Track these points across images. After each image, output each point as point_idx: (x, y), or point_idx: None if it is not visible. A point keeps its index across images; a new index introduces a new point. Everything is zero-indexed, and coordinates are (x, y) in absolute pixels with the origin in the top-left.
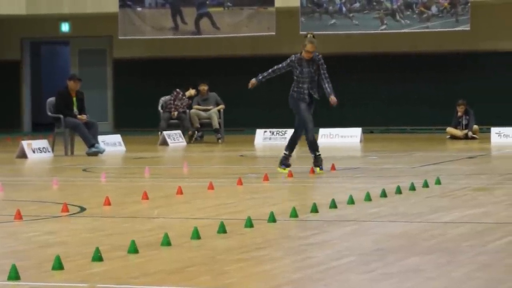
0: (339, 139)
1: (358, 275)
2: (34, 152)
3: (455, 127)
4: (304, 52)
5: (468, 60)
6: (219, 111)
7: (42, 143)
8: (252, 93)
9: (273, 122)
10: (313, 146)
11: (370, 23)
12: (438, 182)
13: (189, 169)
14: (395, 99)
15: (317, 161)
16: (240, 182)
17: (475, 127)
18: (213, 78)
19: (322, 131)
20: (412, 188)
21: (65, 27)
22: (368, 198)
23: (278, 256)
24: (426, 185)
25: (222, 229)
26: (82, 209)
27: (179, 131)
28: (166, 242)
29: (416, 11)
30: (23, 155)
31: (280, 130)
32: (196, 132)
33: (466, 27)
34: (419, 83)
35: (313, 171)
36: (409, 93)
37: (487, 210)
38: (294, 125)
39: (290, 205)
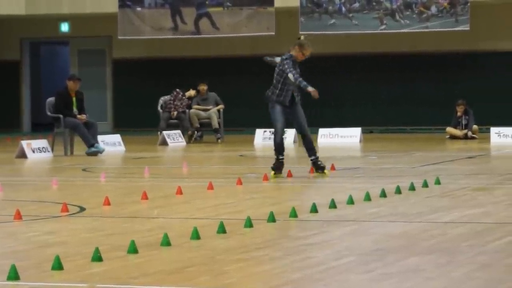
0: (339, 139)
1: (358, 275)
2: (33, 152)
3: (455, 127)
4: (300, 55)
5: (468, 60)
6: (218, 111)
7: (42, 143)
8: (252, 93)
9: None
10: (279, 149)
11: (370, 23)
12: (437, 182)
13: (188, 169)
14: (395, 99)
15: (280, 165)
16: (239, 182)
17: (475, 127)
18: (213, 78)
19: (322, 131)
20: (412, 188)
21: (64, 27)
22: (367, 198)
23: (277, 256)
24: (425, 185)
25: (222, 229)
26: (82, 209)
27: (178, 131)
28: (166, 242)
29: (416, 11)
30: (22, 155)
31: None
32: (196, 132)
33: (466, 27)
34: (418, 83)
35: (313, 171)
36: (409, 93)
37: (487, 210)
38: (295, 129)
39: (289, 205)
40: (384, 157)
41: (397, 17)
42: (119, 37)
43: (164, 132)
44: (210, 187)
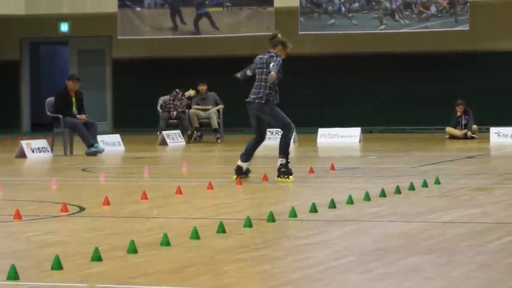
0: (338, 139)
1: (358, 275)
2: (33, 152)
3: (454, 127)
4: (284, 53)
5: (467, 60)
6: (218, 111)
7: (41, 143)
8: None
9: None
10: (287, 150)
11: (369, 23)
12: (437, 182)
13: (188, 169)
14: (394, 99)
15: (288, 169)
16: (239, 182)
17: (474, 127)
18: (212, 78)
19: (321, 131)
20: (412, 188)
21: (64, 27)
22: (367, 198)
23: (277, 256)
24: (425, 185)
25: (221, 229)
26: (81, 209)
27: (178, 131)
28: (166, 242)
29: (415, 11)
30: (22, 155)
31: (279, 130)
32: (195, 132)
33: (465, 27)
34: (418, 83)
35: (312, 171)
36: (408, 93)
37: (486, 210)
38: (257, 131)
39: (289, 205)
40: (384, 157)
41: (397, 17)
42: (119, 37)
43: (164, 132)
44: (210, 187)
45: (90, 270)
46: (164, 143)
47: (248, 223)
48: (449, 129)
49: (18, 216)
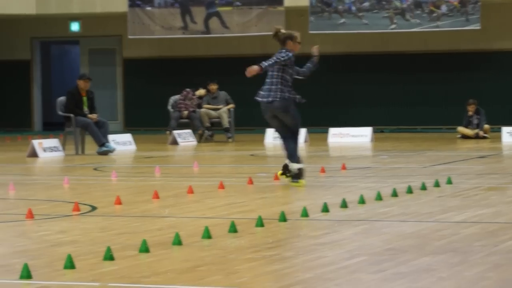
0: (350, 139)
1: (369, 274)
2: (45, 151)
3: (466, 127)
4: (297, 46)
5: (479, 59)
6: (229, 110)
7: (53, 142)
8: None
9: None
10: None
11: (380, 23)
12: (449, 181)
13: (199, 168)
14: (406, 98)
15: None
16: (250, 182)
17: (486, 126)
18: (223, 77)
19: (333, 130)
20: (423, 187)
21: (74, 27)
22: (379, 197)
23: (289, 256)
24: (437, 184)
25: (233, 229)
26: (93, 208)
27: (189, 130)
28: (177, 241)
29: (426, 10)
30: (34, 154)
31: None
32: (206, 131)
33: (477, 26)
34: (429, 83)
35: (324, 171)
36: (420, 93)
37: (499, 210)
38: (278, 129)
39: (301, 205)
40: (395, 157)
41: (407, 16)
42: (129, 37)
43: (175, 132)
44: (221, 186)
45: (103, 269)
46: (175, 142)
47: (260, 223)
48: (461, 129)
49: (30, 215)
